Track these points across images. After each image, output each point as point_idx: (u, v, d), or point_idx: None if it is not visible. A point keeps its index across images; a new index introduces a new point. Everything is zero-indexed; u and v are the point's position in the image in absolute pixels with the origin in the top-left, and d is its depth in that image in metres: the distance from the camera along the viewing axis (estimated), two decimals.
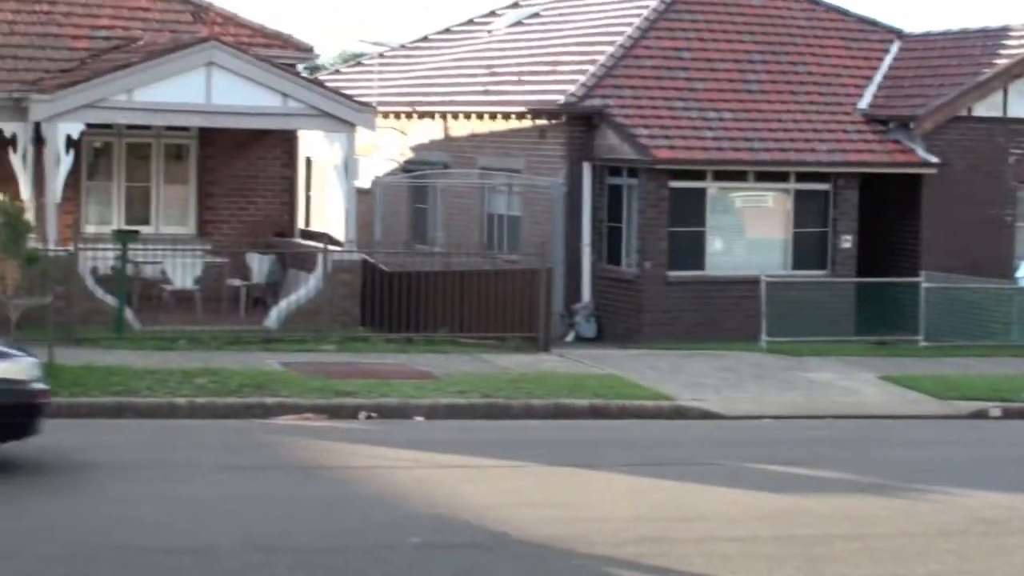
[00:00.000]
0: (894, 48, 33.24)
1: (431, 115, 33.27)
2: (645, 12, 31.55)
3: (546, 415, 19.38)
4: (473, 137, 32.07)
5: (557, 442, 17.35)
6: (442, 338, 24.55)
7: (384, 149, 34.44)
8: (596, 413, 19.73)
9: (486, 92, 32.16)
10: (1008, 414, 21.25)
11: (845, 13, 33.92)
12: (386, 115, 32.97)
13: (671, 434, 18.65)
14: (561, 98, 29.16)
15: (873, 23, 34.05)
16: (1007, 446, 18.93)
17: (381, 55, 38.27)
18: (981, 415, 21.17)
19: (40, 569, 10.50)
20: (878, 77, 32.20)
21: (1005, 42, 31.63)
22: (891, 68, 32.51)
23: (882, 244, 30.03)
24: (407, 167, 34.20)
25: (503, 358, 23.21)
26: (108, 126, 26.12)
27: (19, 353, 14.23)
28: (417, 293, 24.75)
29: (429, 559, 11.30)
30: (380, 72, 36.24)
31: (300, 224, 29.79)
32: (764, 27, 32.37)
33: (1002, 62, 30.82)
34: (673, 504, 13.76)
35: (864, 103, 31.24)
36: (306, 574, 10.65)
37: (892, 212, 30.26)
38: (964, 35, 33.00)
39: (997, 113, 30.58)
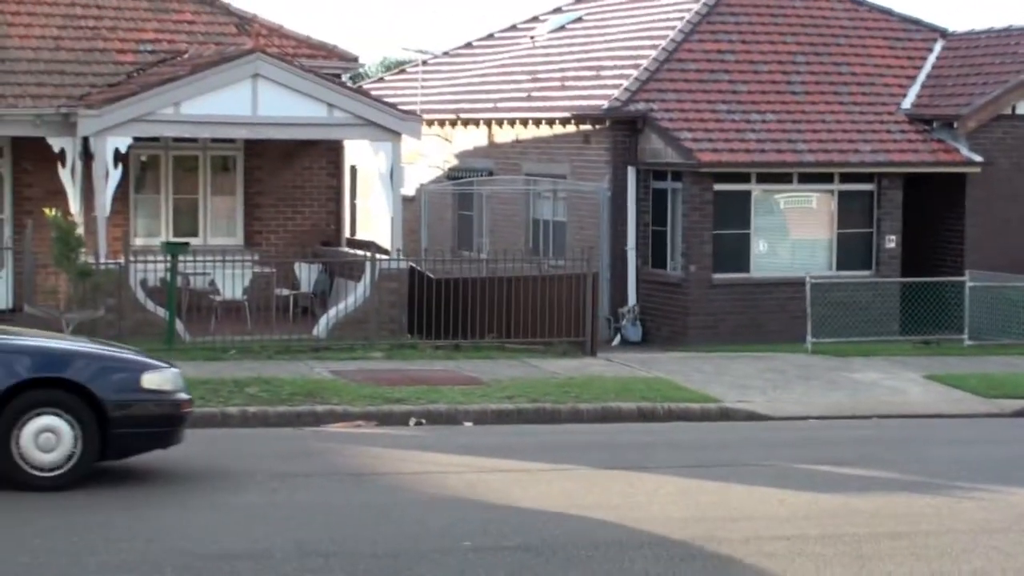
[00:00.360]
0: (937, 47, 33.23)
1: (475, 122, 33.48)
2: (688, 15, 31.67)
3: (594, 419, 19.52)
4: (517, 143, 32.25)
5: (605, 445, 17.48)
6: (489, 344, 24.73)
7: (429, 156, 34.65)
8: (643, 416, 19.86)
9: (530, 98, 32.34)
10: None
11: (888, 13, 33.94)
12: (430, 122, 33.19)
13: (718, 436, 18.76)
14: (605, 103, 29.31)
15: (916, 22, 34.04)
16: None
17: (424, 62, 38.49)
18: None
19: None
20: (921, 76, 32.20)
21: None
22: (934, 67, 32.51)
23: (927, 244, 30.06)
24: (452, 174, 34.42)
25: (550, 363, 23.38)
26: (155, 139, 26.42)
27: (164, 364, 14.57)
28: (464, 299, 24.91)
29: (481, 563, 11.46)
30: (424, 79, 36.46)
31: (346, 233, 30.02)
32: (807, 28, 32.43)
33: None
34: (721, 505, 13.88)
35: (908, 103, 31.26)
36: None
37: (936, 211, 30.28)
38: (1008, 33, 32.94)
39: None
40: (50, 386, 13.74)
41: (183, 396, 14.50)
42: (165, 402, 14.26)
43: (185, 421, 14.50)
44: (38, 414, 13.63)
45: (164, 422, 14.26)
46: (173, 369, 14.57)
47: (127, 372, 14.15)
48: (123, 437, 13.94)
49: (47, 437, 13.62)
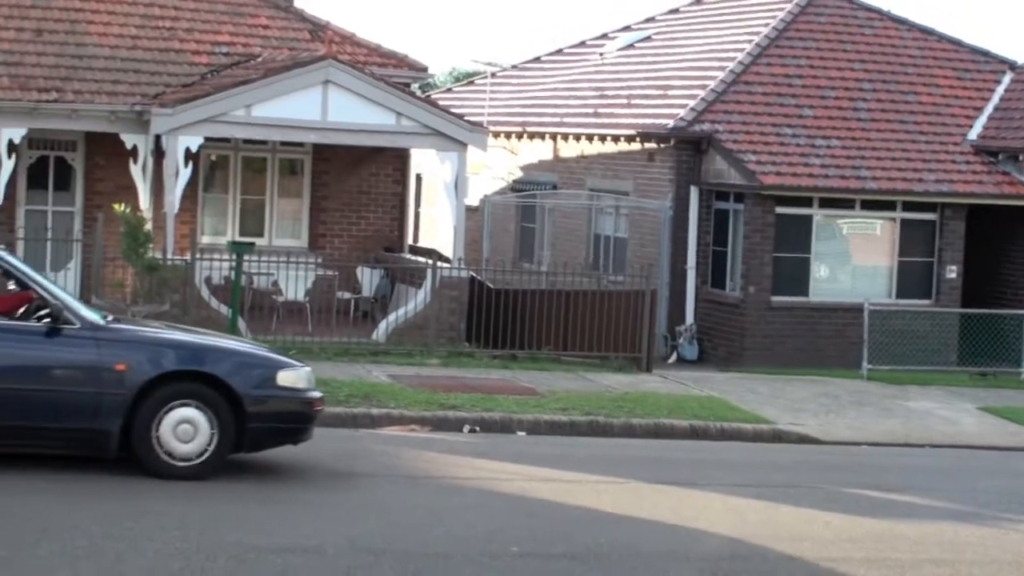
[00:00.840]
0: (1006, 79, 33.21)
1: (541, 136, 33.72)
2: (756, 39, 31.81)
3: (646, 434, 19.68)
4: (582, 159, 32.47)
5: (656, 460, 17.65)
6: (546, 356, 24.94)
7: (494, 168, 34.91)
8: (696, 434, 20.00)
9: (596, 114, 32.55)
10: None
11: (958, 43, 33.95)
12: (496, 134, 33.45)
13: (769, 457, 18.89)
14: (670, 122, 29.48)
15: (986, 53, 34.03)
16: None
17: (493, 75, 38.78)
18: None
19: (157, 565, 10.97)
20: (989, 108, 32.18)
21: None
22: (1002, 99, 32.49)
23: (988, 275, 30.05)
24: (516, 186, 34.66)
25: (605, 377, 23.56)
26: (226, 140, 26.79)
27: (299, 363, 14.94)
28: (522, 311, 25.13)
29: (527, 568, 11.67)
30: (491, 92, 36.73)
31: (409, 240, 30.31)
32: (875, 56, 32.50)
33: None
34: (769, 524, 14.02)
35: (974, 134, 31.26)
36: None
37: (999, 243, 30.28)
38: None
39: None
40: (191, 379, 14.12)
41: (315, 394, 14.86)
42: (298, 399, 14.62)
43: (315, 418, 14.87)
44: (178, 405, 14.00)
45: (297, 419, 14.63)
46: (306, 368, 14.93)
47: (264, 368, 14.53)
48: (258, 431, 14.32)
49: (186, 428, 14.00)
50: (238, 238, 26.70)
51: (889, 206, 29.44)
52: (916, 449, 20.29)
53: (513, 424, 19.32)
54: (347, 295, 26.53)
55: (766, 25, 32.39)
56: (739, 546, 12.98)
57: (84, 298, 24.92)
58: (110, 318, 14.79)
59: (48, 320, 13.99)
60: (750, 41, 31.85)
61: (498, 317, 25.00)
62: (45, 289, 14.25)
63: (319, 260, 27.05)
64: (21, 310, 14.49)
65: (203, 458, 14.07)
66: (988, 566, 12.86)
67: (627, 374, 24.24)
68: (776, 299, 28.31)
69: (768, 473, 17.44)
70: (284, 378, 14.52)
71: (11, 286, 14.94)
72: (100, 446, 13.93)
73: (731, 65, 30.99)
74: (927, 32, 33.88)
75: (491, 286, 25.66)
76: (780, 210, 28.46)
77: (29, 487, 13.29)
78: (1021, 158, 30.00)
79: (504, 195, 34.53)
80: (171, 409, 13.98)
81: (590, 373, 23.92)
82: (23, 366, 13.86)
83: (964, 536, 14.12)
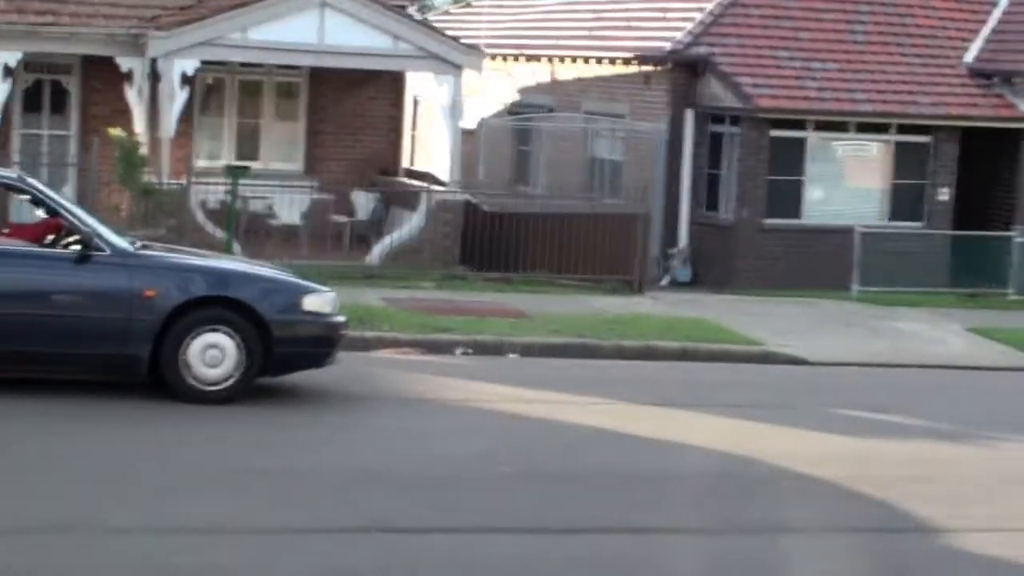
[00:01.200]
0: (1004, 2, 33.10)
1: (537, 58, 33.72)
2: None
3: (637, 356, 19.84)
4: (578, 81, 32.50)
5: (647, 381, 17.87)
6: (540, 279, 25.10)
7: (490, 91, 34.95)
8: (686, 355, 20.16)
9: (593, 37, 32.56)
10: None
11: None
12: (493, 57, 33.40)
13: (758, 378, 19.09)
14: (668, 45, 29.49)
15: None
16: None
17: None
18: None
19: (157, 493, 11.22)
20: (985, 31, 32.11)
21: None
22: (1000, 22, 32.37)
23: (981, 198, 30.15)
24: (512, 110, 34.70)
25: (598, 300, 23.76)
26: (221, 63, 26.84)
27: (324, 288, 15.11)
28: (517, 234, 25.29)
29: (520, 488, 11.91)
30: (489, 14, 36.69)
31: (405, 163, 30.43)
32: None
33: None
34: (757, 443, 14.21)
35: (970, 57, 31.24)
36: (407, 499, 11.25)
37: (991, 166, 30.34)
38: None
39: None
40: (219, 305, 14.27)
41: (339, 319, 15.02)
42: (323, 323, 14.77)
43: (339, 343, 15.00)
44: (207, 330, 14.16)
45: (322, 343, 14.77)
46: (331, 293, 15.07)
47: (290, 293, 14.68)
48: (285, 356, 14.45)
49: (213, 353, 14.16)
50: (234, 162, 26.81)
51: (883, 128, 29.53)
52: (903, 369, 20.49)
53: (505, 346, 19.50)
54: (342, 219, 26.67)
55: None
56: (728, 462, 13.25)
57: None
58: (138, 244, 14.93)
59: (78, 247, 14.13)
60: None
61: (493, 240, 25.15)
62: (75, 216, 14.38)
63: (315, 184, 27.17)
64: (51, 237, 14.66)
65: (230, 382, 14.20)
66: (966, 482, 13.12)
67: (620, 296, 24.44)
68: (769, 222, 28.44)
69: (757, 393, 17.67)
70: (310, 303, 14.66)
71: (39, 213, 15.07)
72: (130, 371, 14.11)
73: None
74: None
75: (486, 209, 25.81)
76: (775, 133, 28.54)
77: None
78: (1015, 81, 30.03)
79: (501, 118, 34.59)
80: (199, 334, 14.10)
81: (583, 296, 24.11)
82: (54, 292, 14.02)
83: (945, 454, 14.38)
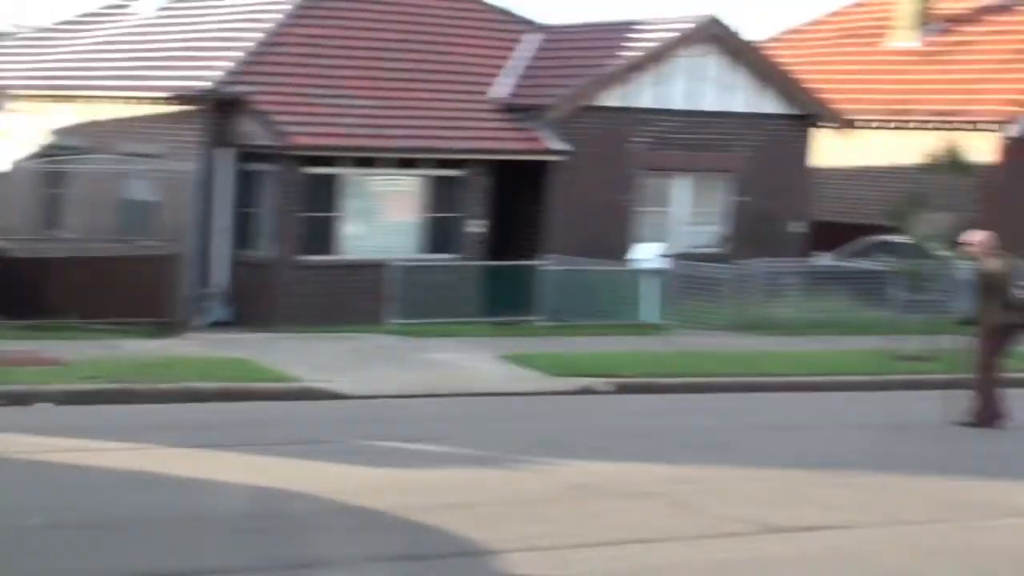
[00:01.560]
0: (532, 39, 34.17)
1: (74, 99, 33.00)
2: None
3: (176, 399, 19.64)
4: (116, 122, 31.93)
5: (184, 425, 17.68)
6: (74, 324, 24.51)
7: (24, 134, 34.00)
8: (227, 396, 20.05)
9: (132, 76, 32.08)
10: (616, 389, 22.31)
11: (479, 2, 34.69)
12: (26, 98, 32.58)
13: (297, 415, 19.14)
14: (205, 84, 29.35)
15: (507, 13, 34.94)
16: (606, 419, 19.85)
17: (19, 36, 37.70)
18: (589, 390, 22.15)
19: None
20: (514, 66, 33.16)
21: (632, 36, 32.97)
22: (532, 59, 33.48)
23: (513, 229, 31.08)
24: (46, 152, 33.84)
25: (134, 343, 23.38)
26: None
27: None
28: (48, 279, 24.70)
29: (51, 540, 11.61)
30: (19, 53, 35.73)
31: None
32: (403, 15, 32.95)
33: (628, 55, 32.21)
34: (292, 479, 14.22)
35: (500, 92, 32.19)
36: None
37: (525, 198, 31.32)
38: (596, 28, 34.31)
39: (623, 103, 31.93)
40: None
41: None
42: None
43: None
44: None
45: None
46: None
47: None
48: None
49: None
50: None
51: (417, 163, 30.11)
52: (442, 399, 20.87)
53: (39, 396, 18.99)
54: None
55: None
56: (260, 501, 13.23)
57: None
58: None
59: None
60: (288, 1, 31.86)
61: (25, 287, 24.46)
62: None
63: None
64: None
65: None
66: (498, 506, 13.46)
67: (157, 339, 24.09)
68: (305, 258, 28.59)
69: (295, 430, 17.71)
70: None
71: None
72: None
73: (267, 26, 31.01)
74: None
75: (16, 255, 25.11)
76: (309, 170, 28.74)
77: None
78: (542, 115, 31.09)
79: (33, 161, 33.66)
80: None
81: (119, 340, 23.67)
82: None
83: (478, 479, 14.72)
